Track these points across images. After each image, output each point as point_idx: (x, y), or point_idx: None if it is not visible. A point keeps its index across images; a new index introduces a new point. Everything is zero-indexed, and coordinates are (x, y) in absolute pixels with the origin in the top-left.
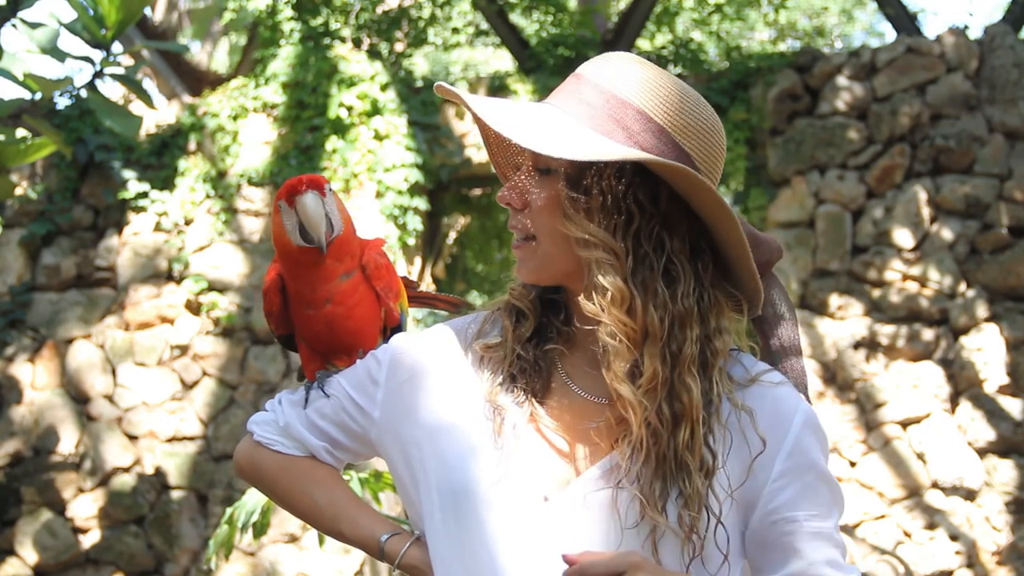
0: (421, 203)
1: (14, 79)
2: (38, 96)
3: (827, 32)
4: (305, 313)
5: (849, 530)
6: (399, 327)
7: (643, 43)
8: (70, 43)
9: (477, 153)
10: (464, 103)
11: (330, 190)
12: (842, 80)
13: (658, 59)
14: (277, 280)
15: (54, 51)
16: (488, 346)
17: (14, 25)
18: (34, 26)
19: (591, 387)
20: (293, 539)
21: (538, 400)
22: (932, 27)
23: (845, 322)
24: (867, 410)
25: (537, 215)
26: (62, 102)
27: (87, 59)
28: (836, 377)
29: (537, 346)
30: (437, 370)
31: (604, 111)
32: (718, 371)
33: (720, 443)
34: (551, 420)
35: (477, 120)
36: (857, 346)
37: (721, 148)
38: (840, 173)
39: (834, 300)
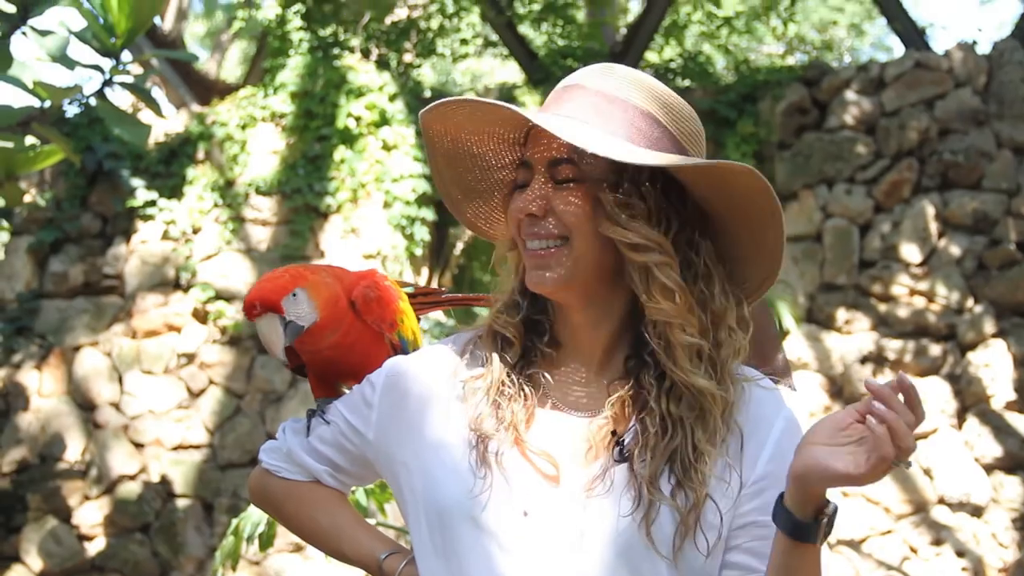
0: (428, 214)
1: (23, 87)
2: (47, 104)
3: (836, 46)
4: (307, 356)
5: (855, 545)
6: (404, 352)
7: (651, 56)
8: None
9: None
10: (467, 107)
11: (293, 296)
12: (850, 94)
13: (666, 72)
14: None
15: (64, 59)
16: (473, 377)
17: (24, 33)
18: (44, 34)
19: (576, 404)
20: (298, 548)
21: (524, 423)
22: (941, 42)
23: (852, 336)
24: None
25: (568, 221)
26: (71, 110)
27: (96, 67)
28: (843, 391)
29: (522, 371)
30: (426, 393)
31: (623, 119)
32: (729, 367)
33: (718, 435)
34: (535, 441)
35: (429, 139)
36: (864, 361)
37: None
38: (848, 187)
39: (841, 314)
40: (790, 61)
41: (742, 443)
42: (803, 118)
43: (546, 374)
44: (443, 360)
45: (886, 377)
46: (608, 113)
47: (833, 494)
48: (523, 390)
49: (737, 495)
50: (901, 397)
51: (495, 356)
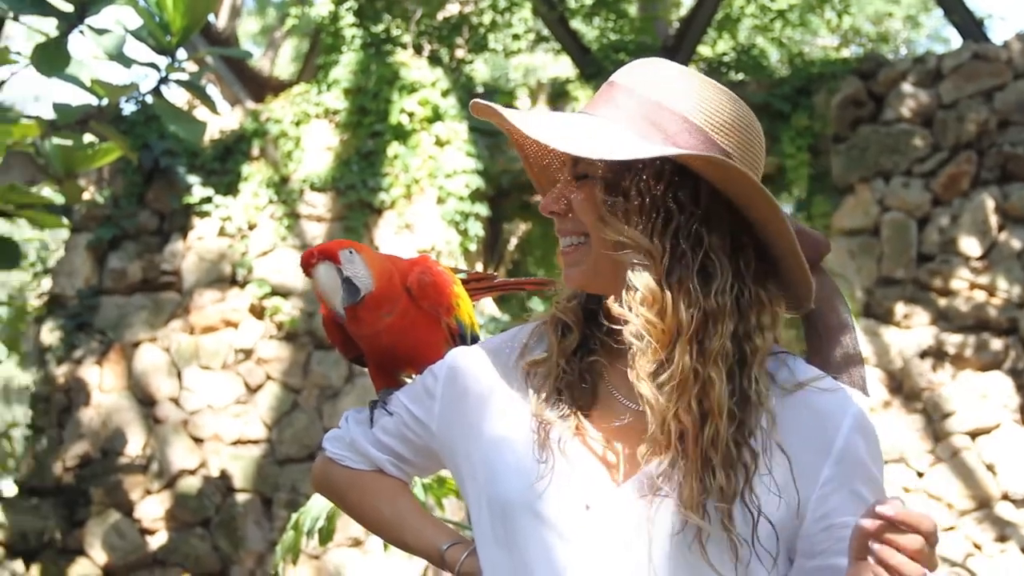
0: (482, 209)
1: (81, 85)
2: (105, 102)
3: (892, 38)
4: (365, 342)
5: None
6: (462, 336)
7: (704, 49)
8: (136, 49)
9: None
10: (500, 116)
11: (350, 254)
12: (907, 86)
13: (719, 65)
14: (329, 315)
15: (120, 57)
16: (534, 362)
17: (81, 32)
18: (101, 32)
19: (635, 396)
20: (357, 543)
21: (584, 412)
22: (999, 33)
23: (911, 331)
24: (934, 420)
25: (581, 218)
26: (128, 108)
27: (153, 65)
28: (902, 387)
29: (582, 359)
30: (488, 383)
31: (639, 114)
32: (757, 368)
33: (759, 443)
34: (596, 431)
35: (516, 141)
36: (924, 355)
37: (760, 144)
38: (905, 180)
39: (899, 308)
40: (845, 54)
41: (789, 460)
42: (859, 111)
43: (605, 363)
44: (506, 350)
45: (946, 372)
46: (626, 108)
47: (894, 489)
48: (583, 378)
49: (798, 509)
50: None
51: (556, 343)
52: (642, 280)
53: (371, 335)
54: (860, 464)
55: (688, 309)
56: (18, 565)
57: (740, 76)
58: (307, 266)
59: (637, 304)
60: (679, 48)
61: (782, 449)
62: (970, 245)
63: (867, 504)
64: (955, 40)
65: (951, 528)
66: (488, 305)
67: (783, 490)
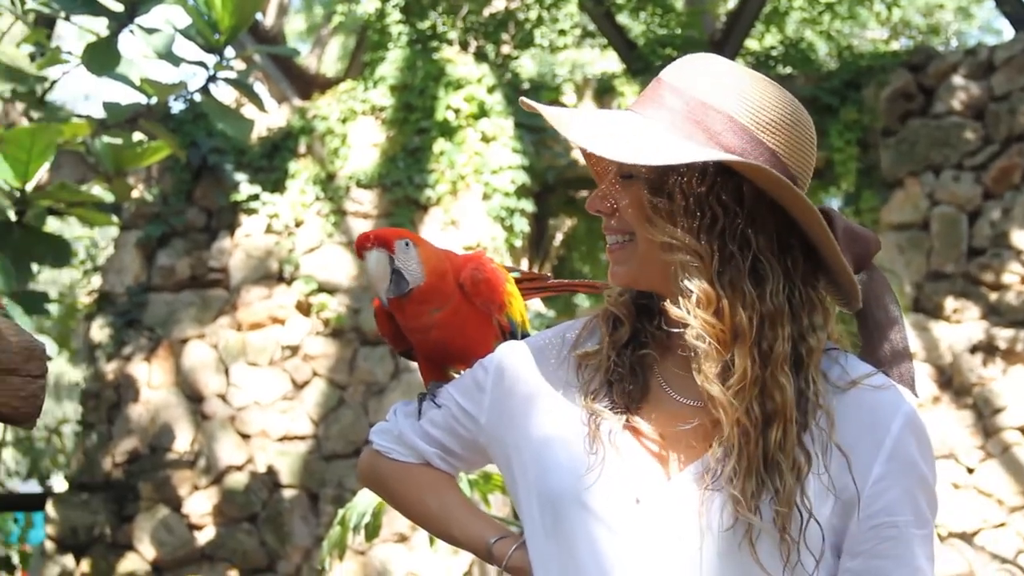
0: (528, 205)
1: (131, 84)
2: (154, 100)
3: (942, 30)
4: (414, 335)
5: (967, 538)
6: (513, 334)
7: (752, 43)
8: (185, 48)
9: (583, 155)
10: (547, 118)
11: (406, 244)
12: (958, 79)
13: (767, 59)
14: (382, 306)
15: (169, 56)
16: (586, 354)
17: (132, 31)
18: (151, 32)
19: (686, 391)
20: (403, 539)
21: (634, 405)
22: None
23: (961, 326)
24: (985, 415)
25: (627, 218)
26: (176, 106)
27: (201, 64)
28: (952, 382)
29: (633, 352)
30: (539, 376)
31: (684, 114)
32: (814, 369)
33: (817, 443)
34: (647, 425)
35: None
36: (974, 350)
37: (810, 142)
38: (955, 174)
39: (949, 303)
40: (895, 46)
41: (848, 458)
42: (908, 104)
43: (655, 356)
44: (557, 343)
45: (997, 367)
46: (671, 107)
47: (944, 486)
48: (634, 371)
49: (854, 508)
50: None
51: (607, 336)
52: (695, 282)
53: (421, 329)
54: (911, 463)
55: (744, 311)
56: (68, 559)
57: (788, 70)
58: (361, 248)
59: (693, 306)
60: (726, 42)
61: (840, 449)
62: (1022, 239)
63: (917, 504)
64: (1007, 31)
65: (1001, 525)
66: (534, 301)
67: (840, 491)
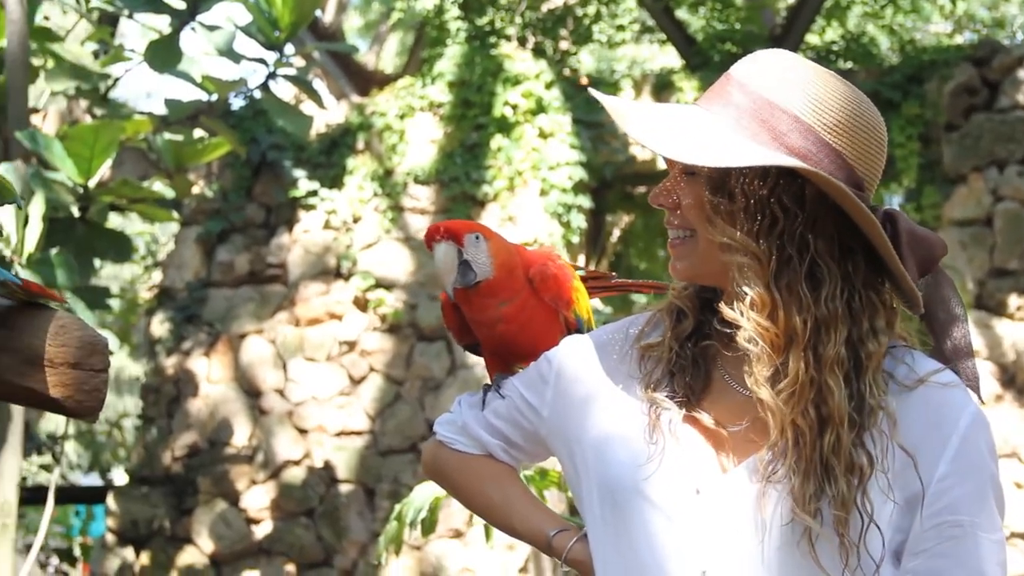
0: (585, 201)
1: (192, 81)
2: (214, 97)
3: (1008, 23)
4: (481, 329)
5: None
6: (579, 330)
7: (812, 38)
8: (245, 45)
9: (641, 151)
10: (611, 111)
11: (476, 238)
12: (1023, 73)
13: (828, 54)
14: (449, 299)
15: (230, 53)
16: (648, 346)
17: (193, 29)
18: (212, 29)
19: (746, 382)
20: (459, 535)
21: (695, 396)
22: None
23: None
24: None
25: (688, 215)
26: (237, 103)
27: (261, 61)
28: (1015, 380)
29: (696, 344)
30: (601, 369)
31: (750, 112)
32: (873, 372)
33: (878, 446)
34: (707, 416)
35: None
36: None
37: (879, 144)
38: (1020, 169)
39: (1012, 300)
40: (958, 40)
41: (913, 458)
42: (972, 99)
43: (719, 348)
44: (620, 336)
45: None
46: (737, 105)
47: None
48: (696, 363)
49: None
50: None
51: (670, 327)
52: (750, 285)
53: (488, 323)
54: (978, 462)
55: (799, 315)
56: (128, 552)
57: (849, 65)
58: (430, 240)
59: (747, 308)
60: (786, 37)
61: (904, 449)
62: None
63: (985, 503)
64: None
65: None
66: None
67: (904, 490)
